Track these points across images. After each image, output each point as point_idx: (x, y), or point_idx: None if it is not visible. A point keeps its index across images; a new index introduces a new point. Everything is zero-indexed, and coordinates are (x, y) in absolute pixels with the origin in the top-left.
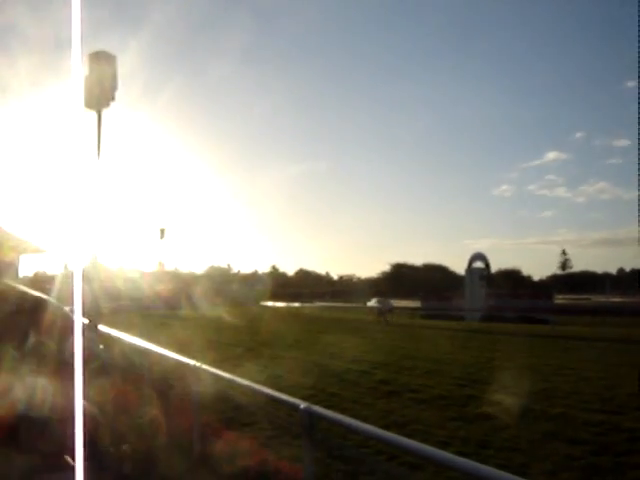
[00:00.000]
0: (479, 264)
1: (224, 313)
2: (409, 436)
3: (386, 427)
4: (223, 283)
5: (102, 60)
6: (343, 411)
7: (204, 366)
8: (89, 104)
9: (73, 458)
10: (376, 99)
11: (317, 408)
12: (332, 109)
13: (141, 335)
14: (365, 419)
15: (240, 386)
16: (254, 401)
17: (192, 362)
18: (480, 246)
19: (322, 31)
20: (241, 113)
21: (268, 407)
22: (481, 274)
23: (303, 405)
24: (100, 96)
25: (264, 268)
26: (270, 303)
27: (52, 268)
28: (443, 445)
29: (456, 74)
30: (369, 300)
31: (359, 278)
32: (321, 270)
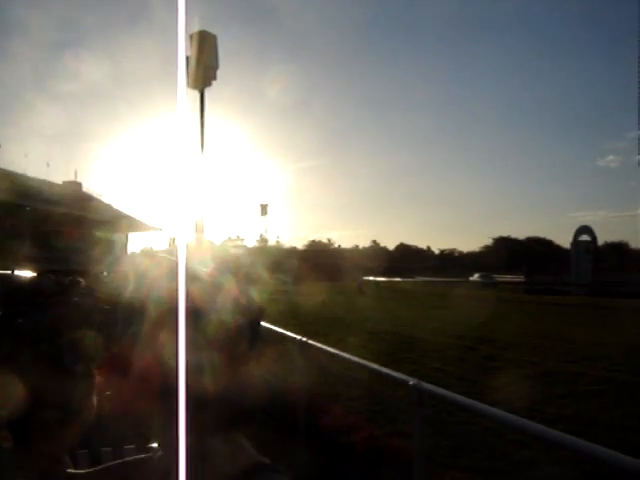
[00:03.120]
0: (585, 237)
1: (326, 291)
2: (515, 414)
3: (492, 404)
4: (324, 258)
5: (204, 40)
6: (448, 387)
7: (310, 341)
8: (192, 84)
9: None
10: (479, 69)
11: (426, 385)
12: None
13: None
14: (470, 395)
15: (348, 361)
16: (362, 377)
17: (298, 337)
18: (586, 219)
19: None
20: (346, 88)
21: (375, 383)
22: (587, 248)
23: (412, 381)
24: (202, 75)
25: (365, 243)
26: (371, 278)
27: (158, 245)
28: (550, 423)
29: (559, 42)
30: (471, 275)
31: (461, 252)
32: (422, 245)
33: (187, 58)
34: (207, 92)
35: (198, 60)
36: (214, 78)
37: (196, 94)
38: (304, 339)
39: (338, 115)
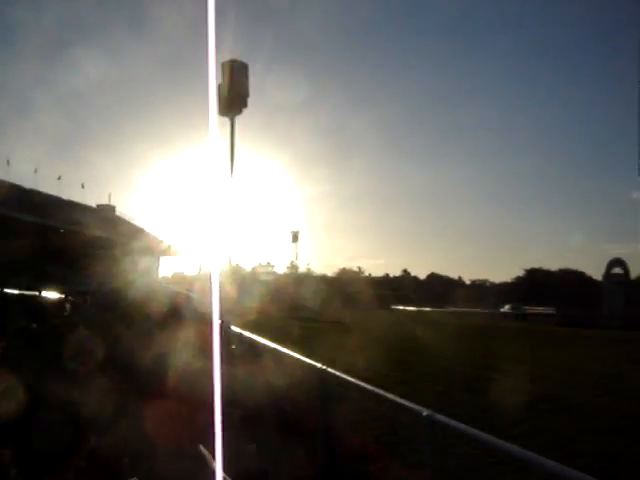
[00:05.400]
0: (617, 270)
1: (360, 318)
2: (537, 448)
3: (514, 438)
4: (353, 286)
5: (235, 68)
6: (472, 420)
7: (329, 369)
8: (223, 111)
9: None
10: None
11: (439, 416)
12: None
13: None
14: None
15: (365, 391)
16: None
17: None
18: (619, 251)
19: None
20: (379, 116)
21: (390, 413)
22: (619, 280)
23: (425, 412)
24: (233, 103)
25: (395, 272)
26: (400, 307)
27: (189, 269)
28: (573, 458)
29: (595, 74)
30: (502, 306)
31: (492, 283)
32: (453, 274)
33: (218, 86)
34: (237, 119)
35: (229, 88)
36: (245, 106)
37: (226, 121)
38: (324, 367)
39: (371, 143)
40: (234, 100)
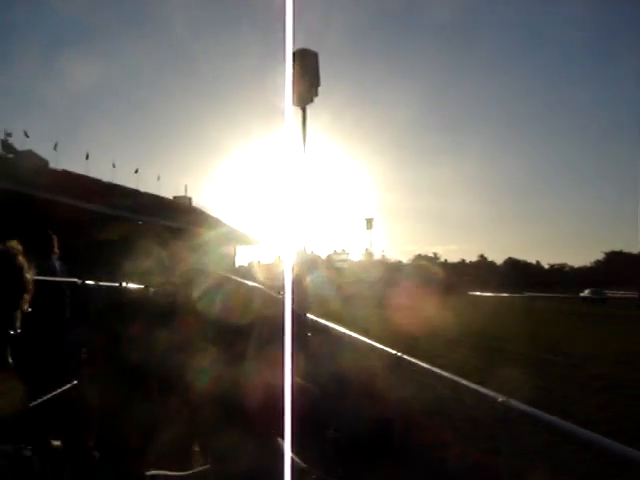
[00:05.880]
0: None
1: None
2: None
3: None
4: (430, 272)
5: (305, 57)
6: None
7: (405, 356)
8: (294, 101)
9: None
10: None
11: (515, 402)
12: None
13: None
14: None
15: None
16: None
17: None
18: None
19: None
20: (452, 101)
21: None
22: None
23: (501, 399)
24: (304, 93)
25: (471, 257)
26: (477, 293)
27: (265, 258)
28: None
29: None
30: (582, 290)
31: (571, 267)
32: (531, 259)
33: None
34: (309, 108)
35: (300, 78)
36: (316, 95)
37: (298, 110)
38: (399, 354)
39: (442, 129)
40: (305, 89)
